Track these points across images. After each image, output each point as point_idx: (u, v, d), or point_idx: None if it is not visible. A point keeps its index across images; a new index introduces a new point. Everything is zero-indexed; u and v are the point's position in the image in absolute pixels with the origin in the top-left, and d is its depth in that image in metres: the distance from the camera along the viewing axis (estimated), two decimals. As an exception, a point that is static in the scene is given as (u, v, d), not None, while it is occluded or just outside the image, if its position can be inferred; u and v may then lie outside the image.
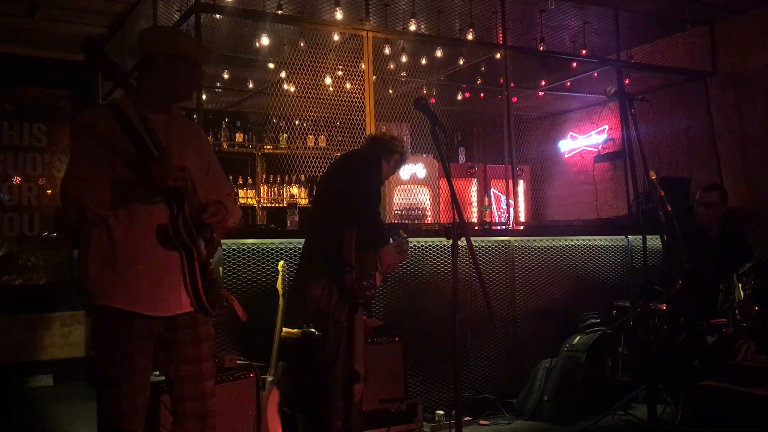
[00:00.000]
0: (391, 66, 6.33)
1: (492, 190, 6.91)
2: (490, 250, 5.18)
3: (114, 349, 2.43)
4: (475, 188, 6.91)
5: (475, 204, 6.87)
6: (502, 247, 5.24)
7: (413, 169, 6.43)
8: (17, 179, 6.62)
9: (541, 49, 6.22)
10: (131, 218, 2.42)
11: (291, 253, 4.39)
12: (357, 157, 3.93)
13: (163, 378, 2.67)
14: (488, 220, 5.77)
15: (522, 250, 5.31)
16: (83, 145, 2.46)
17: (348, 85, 5.61)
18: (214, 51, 2.81)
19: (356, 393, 3.54)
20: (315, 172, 5.45)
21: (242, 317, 2.80)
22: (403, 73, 6.65)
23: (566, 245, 5.53)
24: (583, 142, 7.94)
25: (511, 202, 5.67)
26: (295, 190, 6.77)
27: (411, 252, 4.84)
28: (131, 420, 2.45)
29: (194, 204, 2.49)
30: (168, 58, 2.52)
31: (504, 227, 5.73)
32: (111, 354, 2.43)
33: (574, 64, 6.82)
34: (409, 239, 4.81)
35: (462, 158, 7.93)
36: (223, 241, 2.73)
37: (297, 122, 6.04)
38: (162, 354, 2.56)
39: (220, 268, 2.68)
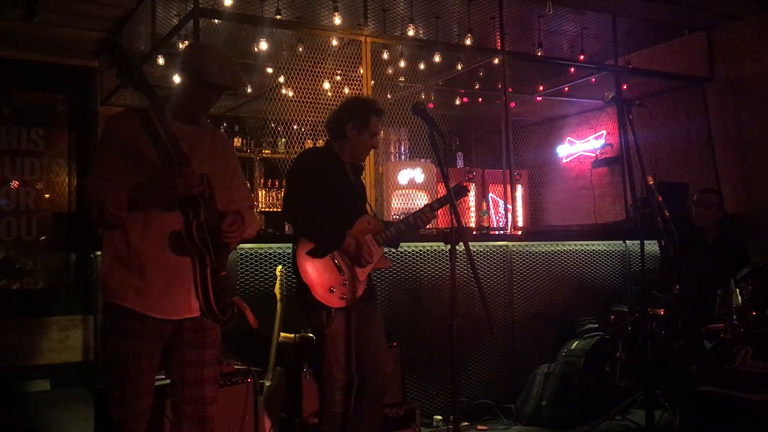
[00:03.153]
0: (390, 71, 6.33)
1: (490, 195, 6.92)
2: (488, 255, 5.18)
3: (124, 348, 2.46)
4: (473, 193, 6.91)
5: (473, 209, 6.87)
6: (500, 252, 5.23)
7: (411, 174, 6.43)
8: (15, 183, 6.62)
9: (539, 54, 6.23)
10: (146, 223, 2.47)
11: (289, 258, 4.37)
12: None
13: (169, 381, 2.69)
14: (486, 225, 5.78)
15: (520, 255, 5.31)
16: (110, 147, 2.50)
17: (346, 90, 5.61)
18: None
19: (336, 403, 3.27)
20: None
21: (254, 325, 2.81)
22: (402, 78, 6.66)
23: (564, 250, 5.53)
24: (581, 147, 7.95)
25: (509, 207, 5.67)
26: (293, 194, 6.76)
27: (409, 257, 4.85)
28: (136, 422, 2.49)
29: (212, 212, 2.53)
30: (192, 75, 2.54)
31: (502, 232, 5.73)
32: (121, 353, 2.47)
33: (572, 70, 6.83)
34: (407, 243, 4.84)
35: (460, 163, 7.94)
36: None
37: (295, 127, 6.04)
38: (169, 356, 2.59)
39: (234, 275, 2.68)
